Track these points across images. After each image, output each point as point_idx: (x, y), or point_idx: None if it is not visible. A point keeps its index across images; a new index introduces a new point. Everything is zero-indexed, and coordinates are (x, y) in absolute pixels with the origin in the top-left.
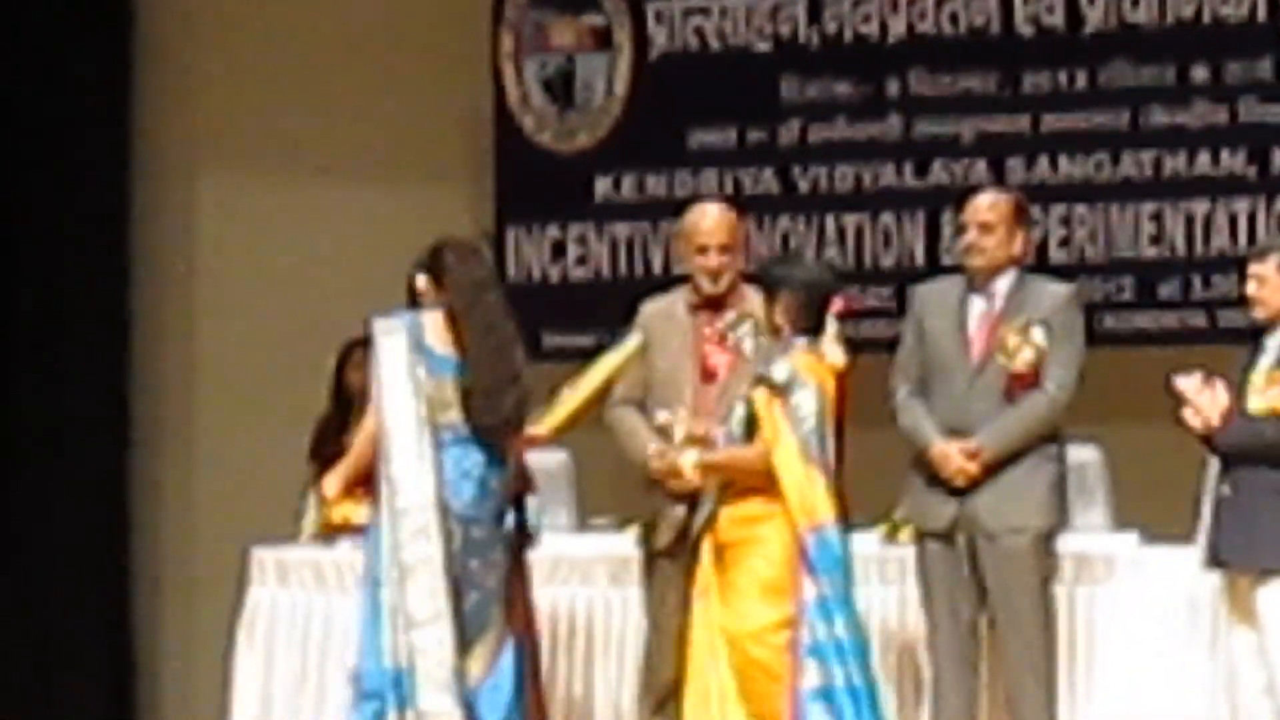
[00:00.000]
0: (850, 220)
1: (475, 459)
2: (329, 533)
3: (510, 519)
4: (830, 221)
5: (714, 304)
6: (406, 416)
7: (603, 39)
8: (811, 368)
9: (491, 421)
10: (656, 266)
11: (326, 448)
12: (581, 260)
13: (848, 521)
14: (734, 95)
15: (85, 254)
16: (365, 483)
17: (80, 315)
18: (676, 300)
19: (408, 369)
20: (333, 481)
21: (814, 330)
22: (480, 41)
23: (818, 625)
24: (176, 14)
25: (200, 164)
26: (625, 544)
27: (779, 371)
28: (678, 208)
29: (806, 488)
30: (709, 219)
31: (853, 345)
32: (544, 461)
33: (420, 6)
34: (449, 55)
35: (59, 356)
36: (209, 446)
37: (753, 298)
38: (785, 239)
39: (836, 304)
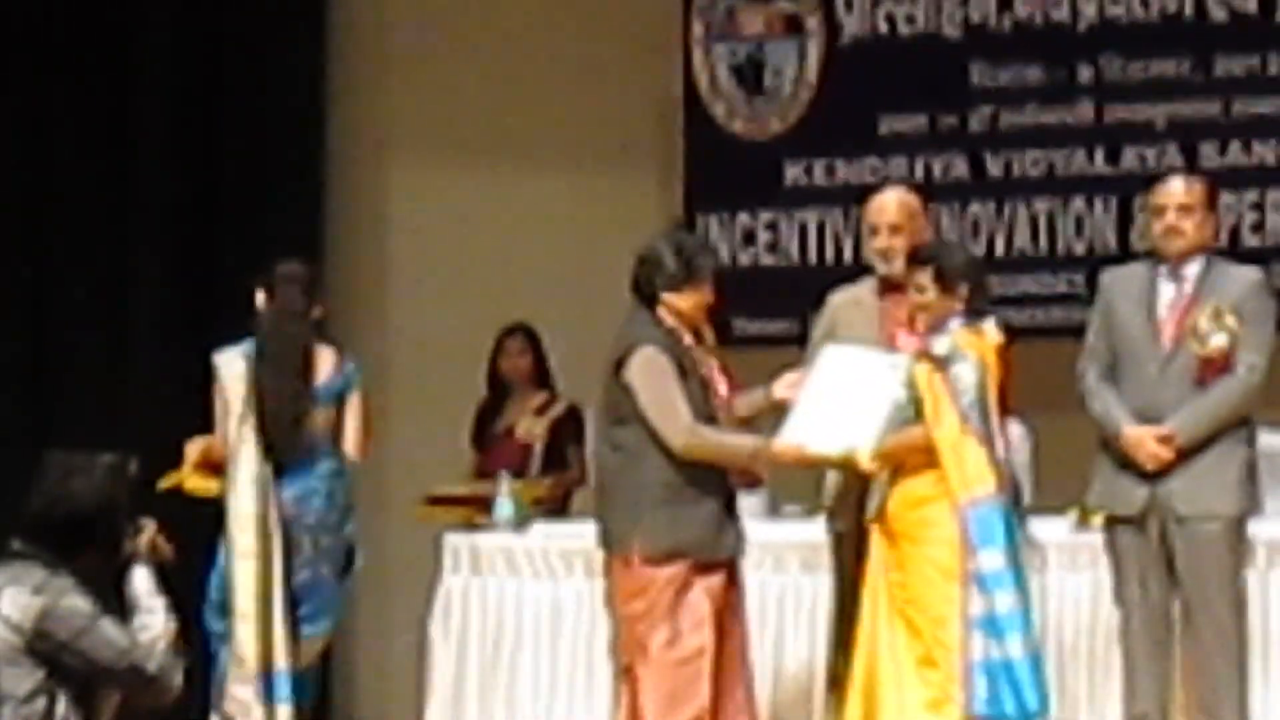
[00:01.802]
0: (1041, 206)
1: (321, 472)
2: None
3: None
4: (1021, 208)
5: (900, 287)
6: (234, 439)
7: (793, 25)
8: (971, 343)
9: (289, 453)
10: (847, 253)
11: (483, 433)
12: (771, 247)
13: (1014, 496)
14: (924, 81)
15: (279, 241)
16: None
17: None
18: (865, 286)
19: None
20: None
21: (980, 312)
22: (671, 28)
23: (982, 597)
24: (368, 3)
25: (391, 151)
26: (816, 530)
27: (939, 345)
28: (868, 194)
29: (966, 461)
30: (880, 200)
31: (1042, 331)
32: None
33: None
34: (640, 42)
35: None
36: (402, 434)
37: None
38: (975, 225)
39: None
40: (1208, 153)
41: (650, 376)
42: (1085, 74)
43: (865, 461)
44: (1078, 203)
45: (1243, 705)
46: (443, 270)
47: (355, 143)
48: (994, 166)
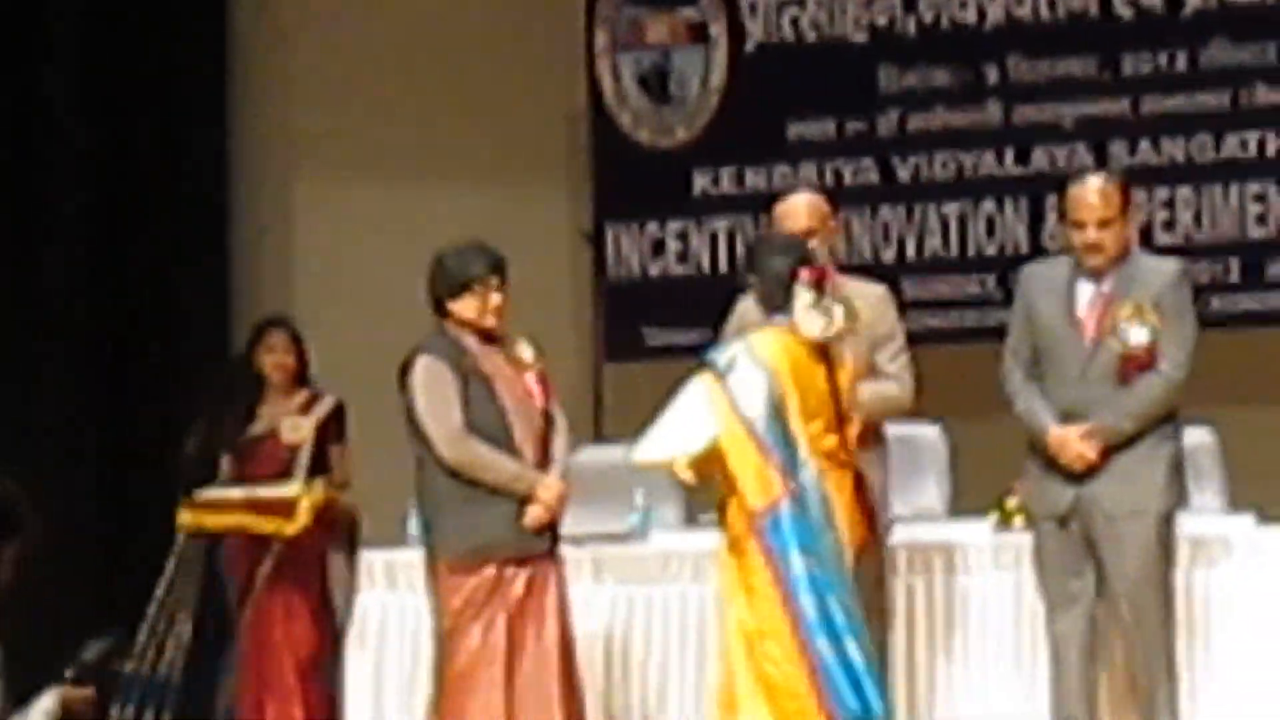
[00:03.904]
0: (952, 209)
1: None
2: None
3: None
4: (932, 210)
5: None
6: None
7: (698, 32)
8: (773, 347)
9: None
10: None
11: (235, 436)
12: (681, 256)
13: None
14: (831, 86)
15: (184, 256)
16: None
17: (185, 319)
18: None
19: None
20: None
21: (786, 306)
22: (575, 38)
23: (811, 599)
24: (270, 16)
25: (297, 166)
26: None
27: (719, 357)
28: (777, 201)
29: (747, 471)
30: (791, 204)
31: (955, 335)
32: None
33: (513, 5)
34: (544, 53)
35: (166, 356)
36: None
37: (849, 283)
38: (886, 229)
39: (802, 274)
40: (1117, 151)
41: (423, 384)
42: (993, 75)
43: (680, 470)
44: (988, 204)
45: (1173, 703)
46: (349, 284)
47: (260, 156)
48: (903, 170)
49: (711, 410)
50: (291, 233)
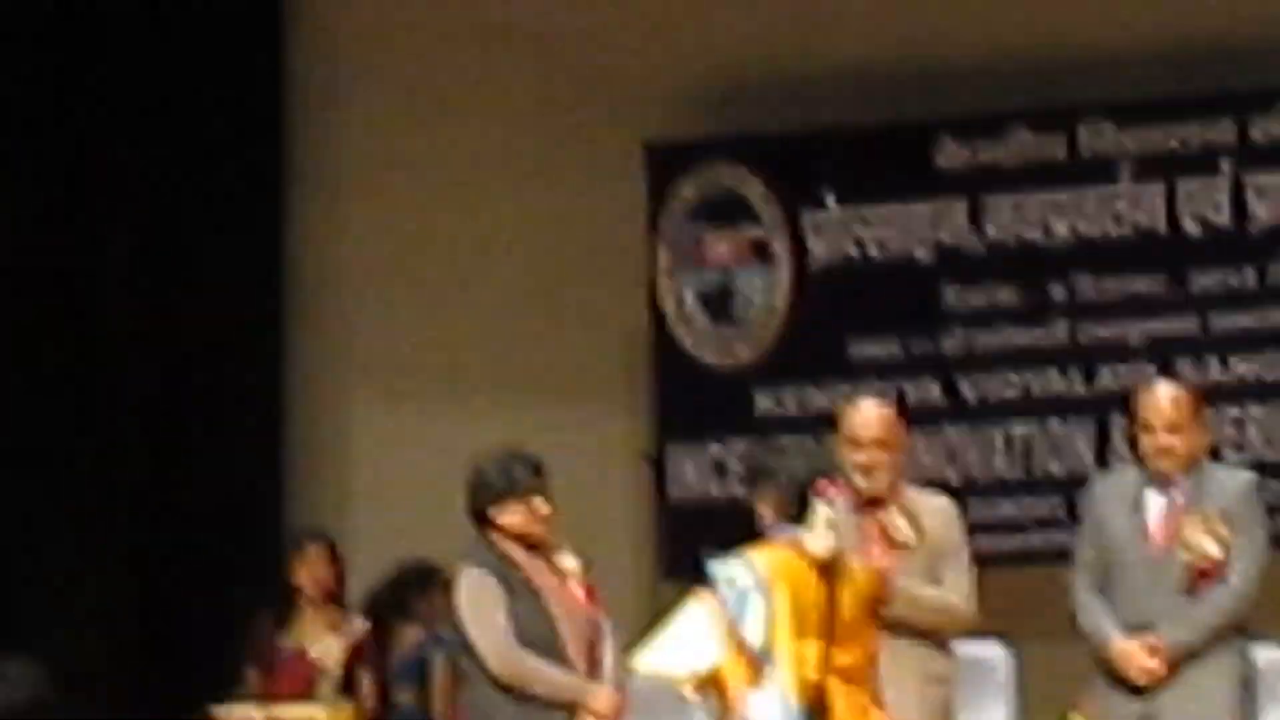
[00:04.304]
0: (1018, 429)
1: None
2: None
3: None
4: (997, 431)
5: (878, 502)
6: None
7: (761, 251)
8: (778, 565)
9: None
10: None
11: (263, 649)
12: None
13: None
14: (895, 304)
15: (239, 476)
16: None
17: (238, 533)
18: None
19: None
20: None
21: (799, 520)
22: (637, 257)
23: None
24: (328, 242)
25: (356, 385)
26: None
27: (719, 569)
28: (845, 407)
29: (736, 687)
30: (863, 413)
31: (1021, 557)
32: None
33: (576, 222)
34: (605, 271)
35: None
36: None
37: (913, 495)
38: (951, 449)
39: (821, 488)
40: (1185, 369)
41: (470, 598)
42: (1059, 293)
43: (682, 687)
44: (1054, 424)
45: None
46: (404, 505)
47: (317, 377)
48: (968, 389)
49: (714, 633)
50: (347, 450)
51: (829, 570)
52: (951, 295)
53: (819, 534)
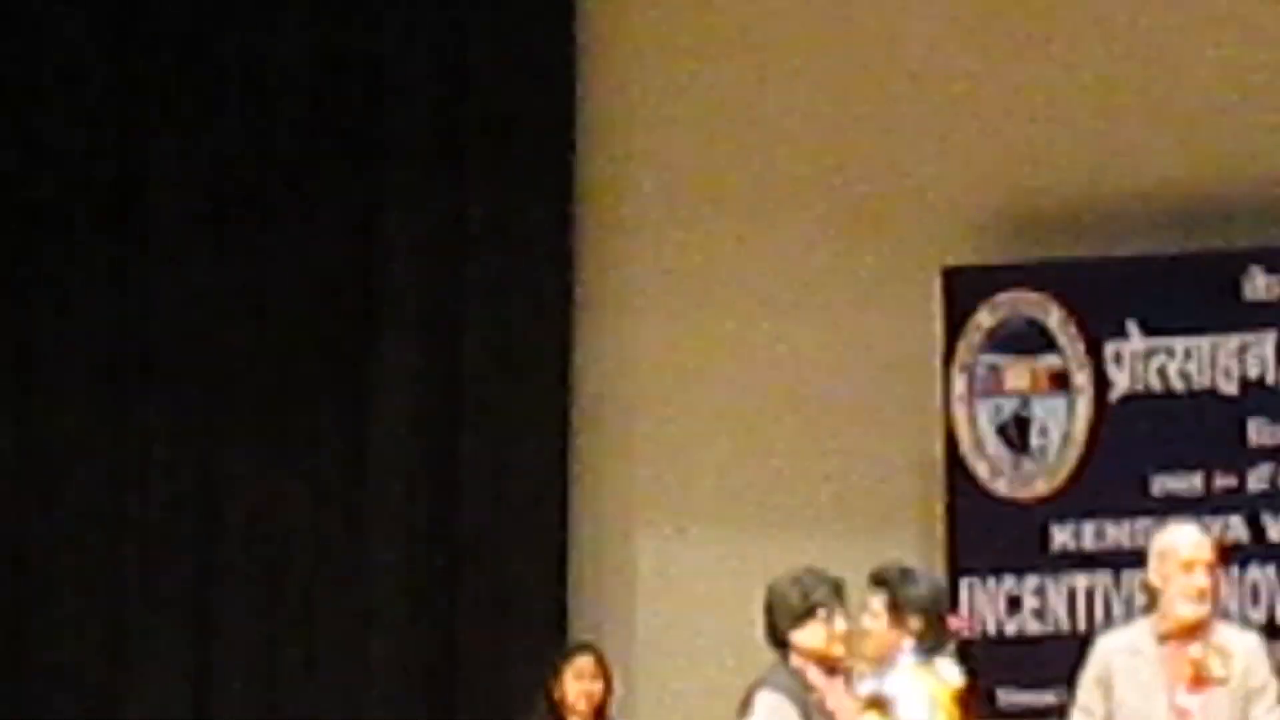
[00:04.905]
0: None
1: None
2: None
3: None
4: None
5: (1188, 632)
6: None
7: (1060, 381)
8: (925, 681)
9: None
10: (1118, 620)
11: None
12: (1038, 614)
13: None
14: (1200, 439)
15: (523, 606)
16: None
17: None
18: (1140, 632)
19: None
20: None
21: (935, 649)
22: (931, 384)
23: None
24: (620, 351)
25: (639, 516)
26: None
27: (890, 685)
28: (1140, 557)
29: None
30: (1197, 536)
31: None
32: None
33: (871, 349)
34: (899, 399)
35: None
36: None
37: (1222, 629)
38: (1255, 590)
39: (956, 623)
40: None
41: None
42: None
43: None
44: None
45: None
46: (691, 637)
47: (601, 506)
48: (1274, 529)
49: None
50: (632, 584)
51: (961, 700)
52: (1257, 430)
53: (951, 665)
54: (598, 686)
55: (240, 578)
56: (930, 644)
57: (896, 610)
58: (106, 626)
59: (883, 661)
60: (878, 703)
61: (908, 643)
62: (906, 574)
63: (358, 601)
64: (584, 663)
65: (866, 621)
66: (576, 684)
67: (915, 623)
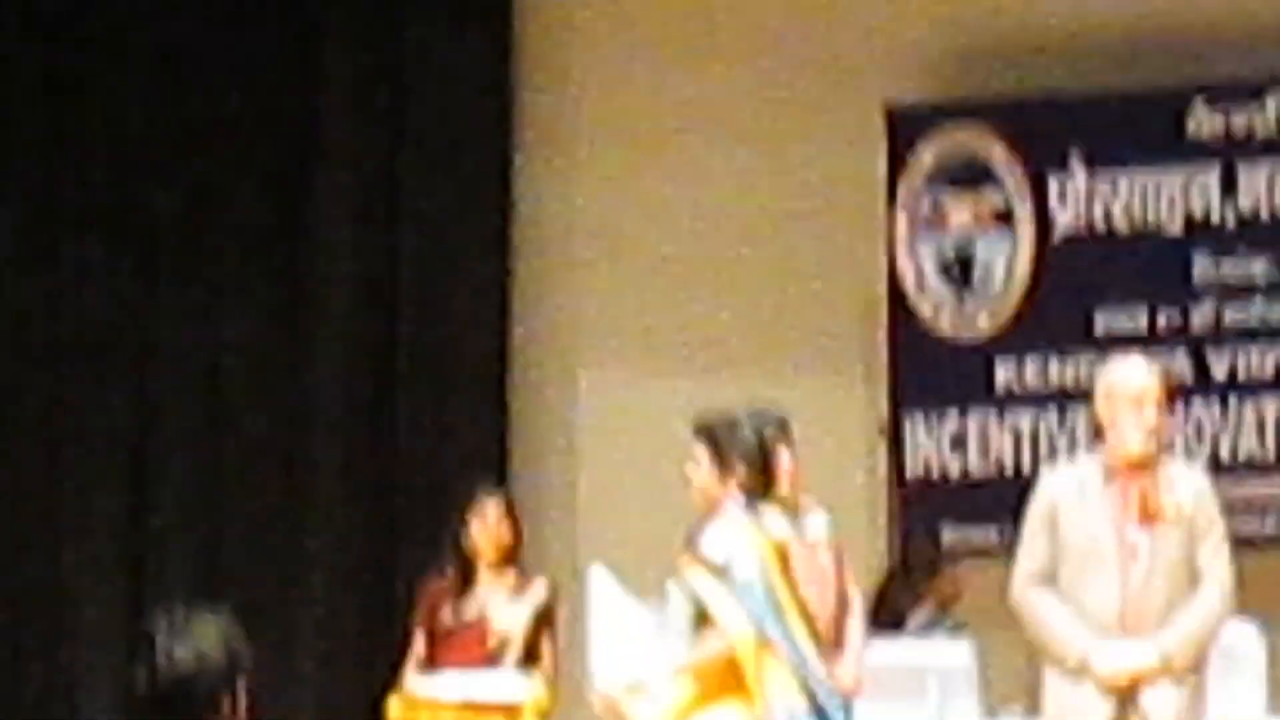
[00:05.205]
0: (1270, 406)
1: None
2: None
3: None
4: (1249, 408)
5: (1140, 467)
6: None
7: (1003, 218)
8: (753, 539)
9: None
10: (1062, 458)
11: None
12: (983, 451)
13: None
14: (1143, 276)
15: (461, 447)
16: None
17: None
18: (1088, 468)
19: None
20: None
21: (762, 499)
22: (874, 222)
23: None
24: (553, 210)
25: (581, 358)
26: None
27: (715, 551)
28: (1085, 395)
29: (766, 677)
30: (1143, 370)
31: (1274, 539)
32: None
33: (809, 189)
34: (841, 237)
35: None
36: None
37: (1174, 470)
38: (1199, 427)
39: (785, 466)
40: None
41: None
42: None
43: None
44: None
45: None
46: (633, 481)
47: (541, 347)
48: (1218, 365)
49: (721, 613)
50: (572, 420)
51: (784, 550)
52: (1202, 267)
53: (778, 517)
54: (506, 532)
55: (177, 404)
56: (756, 493)
57: (721, 460)
58: (43, 468)
59: (710, 513)
60: (710, 567)
61: (735, 495)
62: (730, 423)
63: (298, 443)
64: (491, 510)
65: (690, 472)
66: (484, 532)
67: (740, 471)
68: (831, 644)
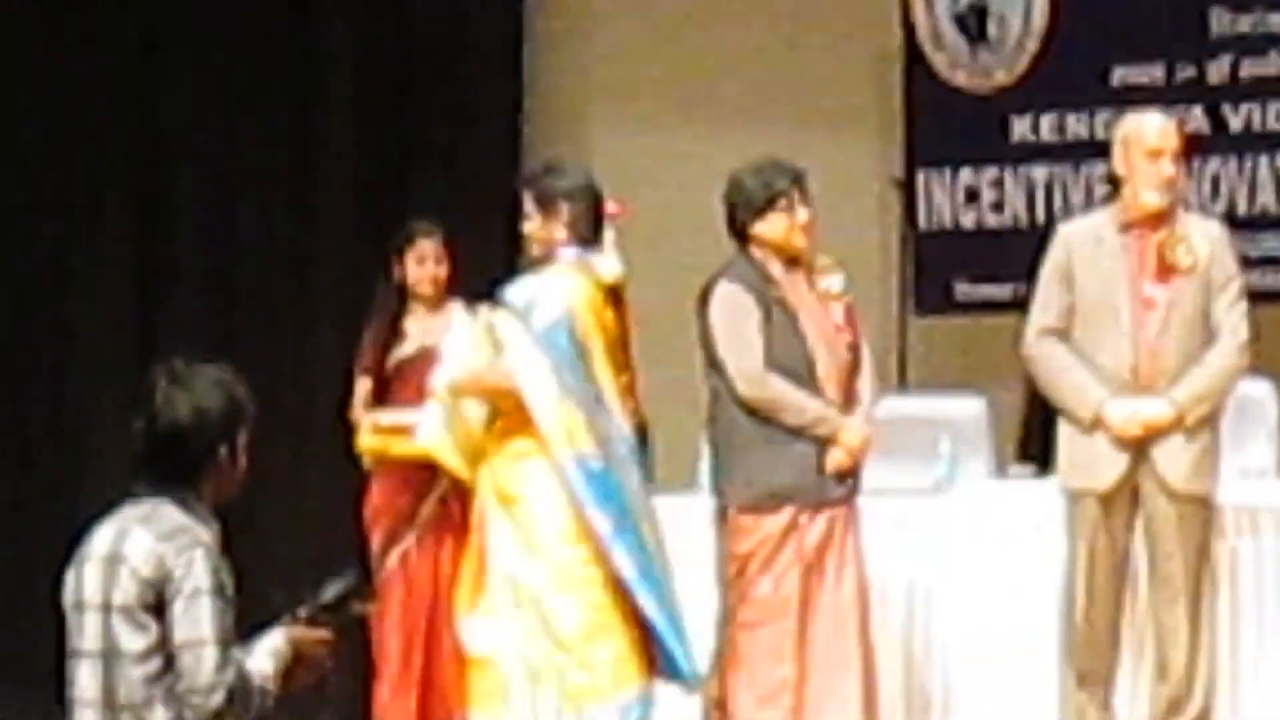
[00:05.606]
0: None
1: None
2: None
3: None
4: (1264, 163)
5: (1158, 219)
6: None
7: None
8: (572, 287)
9: None
10: (1078, 213)
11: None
12: (997, 206)
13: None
14: (1160, 29)
15: (475, 206)
16: None
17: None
18: (1103, 220)
19: None
20: None
21: (592, 241)
22: None
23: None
24: None
25: (594, 110)
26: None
27: (516, 296)
28: (1100, 149)
29: (561, 422)
30: (1162, 122)
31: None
32: (961, 408)
33: None
34: None
35: None
36: None
37: (1187, 218)
38: (1215, 182)
39: (611, 209)
40: None
41: (723, 314)
42: None
43: (439, 392)
44: None
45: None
46: (650, 228)
47: (556, 101)
48: (1235, 119)
49: (516, 350)
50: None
51: (617, 294)
52: (1218, 19)
53: (609, 256)
54: (442, 270)
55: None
56: (584, 234)
57: (544, 204)
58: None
59: (544, 262)
60: (512, 310)
61: (564, 239)
62: (550, 167)
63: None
64: (426, 246)
65: (525, 226)
66: (419, 268)
67: (566, 213)
68: (843, 399)
